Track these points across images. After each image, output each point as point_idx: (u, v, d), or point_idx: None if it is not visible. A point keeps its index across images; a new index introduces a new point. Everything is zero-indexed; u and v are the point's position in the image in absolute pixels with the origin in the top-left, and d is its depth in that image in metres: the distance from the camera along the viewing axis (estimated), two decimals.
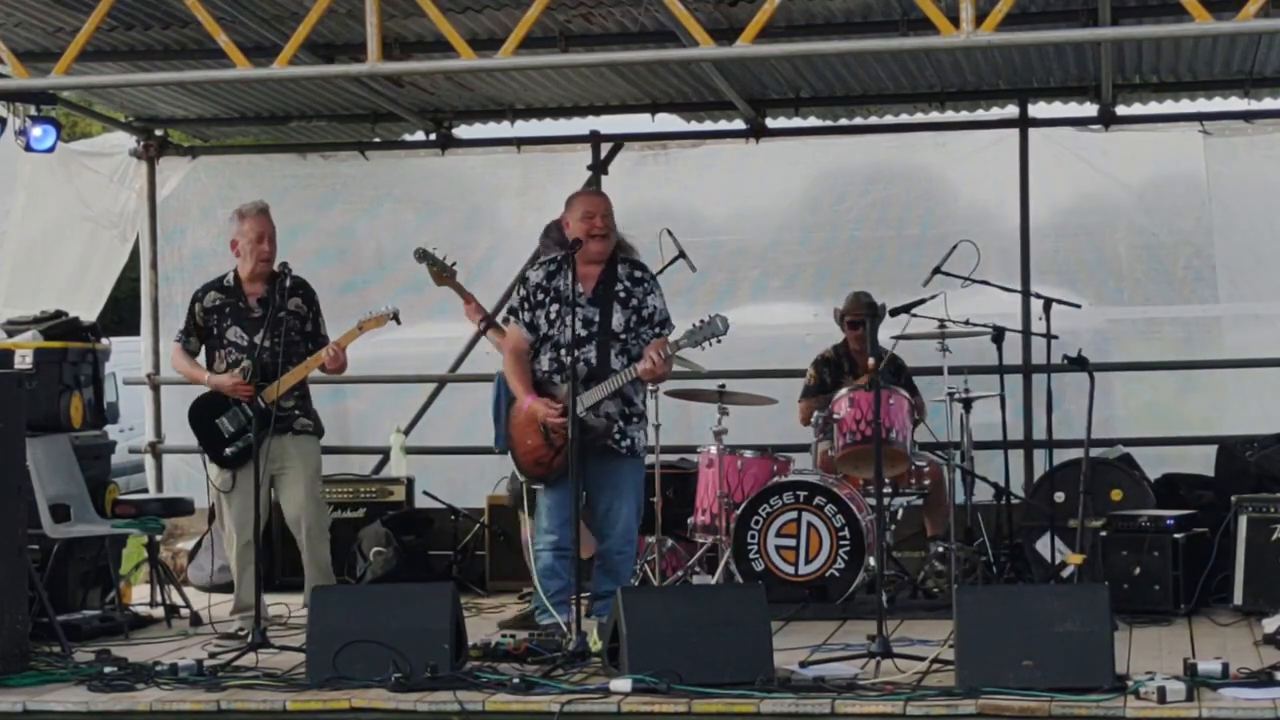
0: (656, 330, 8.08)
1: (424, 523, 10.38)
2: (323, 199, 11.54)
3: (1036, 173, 10.80)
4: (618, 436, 8.00)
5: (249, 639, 7.66)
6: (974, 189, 11.19)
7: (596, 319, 7.99)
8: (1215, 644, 7.73)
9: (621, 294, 8.06)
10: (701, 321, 7.99)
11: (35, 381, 9.14)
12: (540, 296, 8.10)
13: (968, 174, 11.16)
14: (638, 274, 8.15)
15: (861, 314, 9.58)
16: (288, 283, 8.45)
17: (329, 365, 8.42)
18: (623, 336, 8.03)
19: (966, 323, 9.43)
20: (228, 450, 8.42)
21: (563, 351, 8.00)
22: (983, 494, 9.52)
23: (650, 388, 8.82)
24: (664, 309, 8.15)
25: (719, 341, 8.05)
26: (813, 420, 9.62)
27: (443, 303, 11.15)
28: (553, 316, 8.06)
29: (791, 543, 8.96)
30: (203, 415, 8.51)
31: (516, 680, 6.84)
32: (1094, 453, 8.92)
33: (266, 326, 8.38)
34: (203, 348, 8.66)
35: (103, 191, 11.61)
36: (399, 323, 8.52)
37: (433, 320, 10.82)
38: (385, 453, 11.12)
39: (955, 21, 7.38)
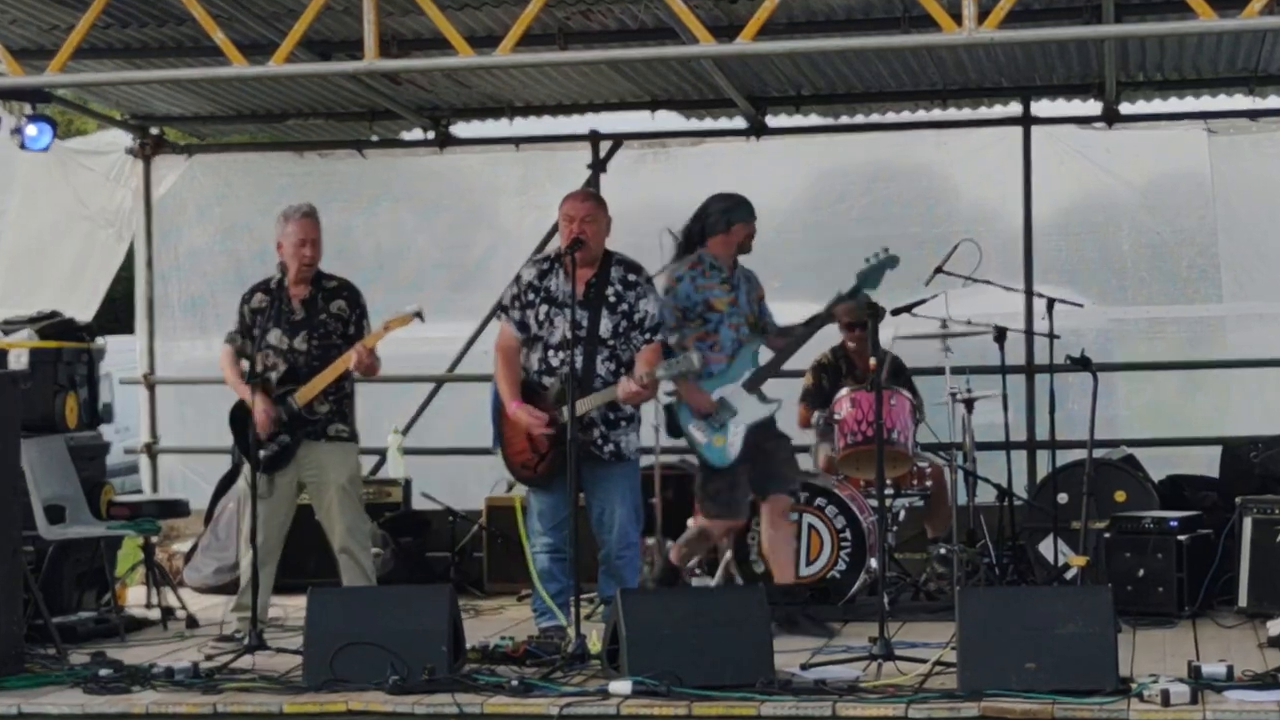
0: (647, 336, 8.02)
1: (422, 524, 10.36)
2: (320, 197, 11.35)
3: (1039, 171, 10.77)
4: (600, 442, 7.95)
5: (245, 641, 7.61)
6: (976, 187, 11.16)
7: (584, 323, 7.94)
8: (1219, 646, 7.71)
9: (611, 298, 8.00)
10: (675, 358, 7.98)
11: (30, 381, 9.11)
12: (531, 296, 8.05)
13: (970, 172, 11.13)
14: (631, 277, 8.08)
15: (859, 316, 9.54)
16: (331, 284, 8.41)
17: (356, 368, 8.25)
18: (610, 342, 7.98)
19: (968, 322, 9.39)
20: (262, 454, 8.32)
21: (551, 352, 7.95)
22: (985, 495, 9.49)
23: None
24: (657, 314, 8.08)
25: (694, 378, 8.10)
26: (813, 421, 9.58)
27: (441, 302, 11.16)
28: (542, 317, 8.01)
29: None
30: (241, 419, 8.42)
31: (515, 682, 6.82)
32: (1097, 453, 8.93)
33: (304, 330, 8.31)
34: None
35: (99, 190, 11.59)
36: (423, 320, 8.42)
37: (431, 320, 10.72)
38: (383, 453, 11.07)
39: (957, 18, 7.34)
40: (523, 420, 7.92)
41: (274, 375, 8.31)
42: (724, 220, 8.47)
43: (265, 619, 8.21)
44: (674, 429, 8.44)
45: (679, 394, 8.28)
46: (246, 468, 8.41)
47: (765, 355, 8.52)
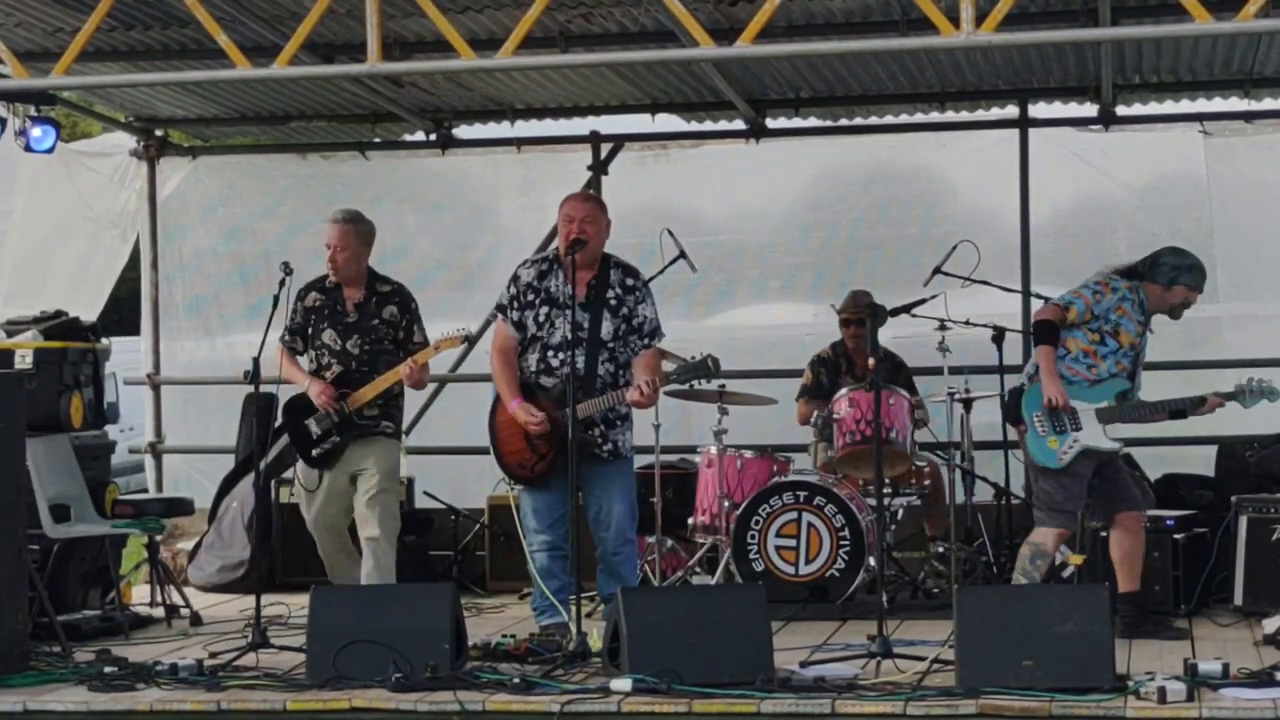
0: (646, 341, 8.06)
1: (424, 523, 10.38)
2: (323, 199, 11.54)
3: (1036, 173, 10.80)
4: (600, 441, 8.00)
5: (250, 639, 7.66)
6: (974, 189, 11.19)
7: (586, 325, 7.98)
8: (1215, 644, 7.75)
9: (612, 301, 8.04)
10: (694, 359, 7.98)
11: (35, 381, 9.15)
12: (530, 297, 8.08)
13: (968, 174, 11.17)
14: (630, 281, 8.12)
15: (857, 313, 9.60)
16: (385, 289, 8.51)
17: (407, 380, 8.35)
18: (610, 345, 8.02)
19: (967, 323, 9.44)
20: (314, 451, 8.44)
21: (550, 353, 8.00)
22: (983, 494, 9.53)
23: None
24: (655, 319, 8.13)
25: (707, 382, 8.04)
26: (812, 420, 9.63)
27: (443, 303, 11.20)
28: (541, 319, 8.04)
29: (791, 543, 8.96)
30: (295, 415, 8.53)
31: (517, 680, 6.85)
32: None
33: (356, 333, 8.42)
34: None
35: (103, 192, 11.62)
36: (472, 345, 8.47)
37: (433, 321, 10.76)
38: None
39: (955, 21, 7.39)
40: (520, 418, 7.96)
41: (329, 375, 8.43)
42: (1169, 276, 8.01)
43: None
44: (1014, 414, 8.05)
45: (1038, 375, 7.88)
46: (300, 465, 8.55)
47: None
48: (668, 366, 8.14)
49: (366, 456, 8.44)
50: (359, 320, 8.46)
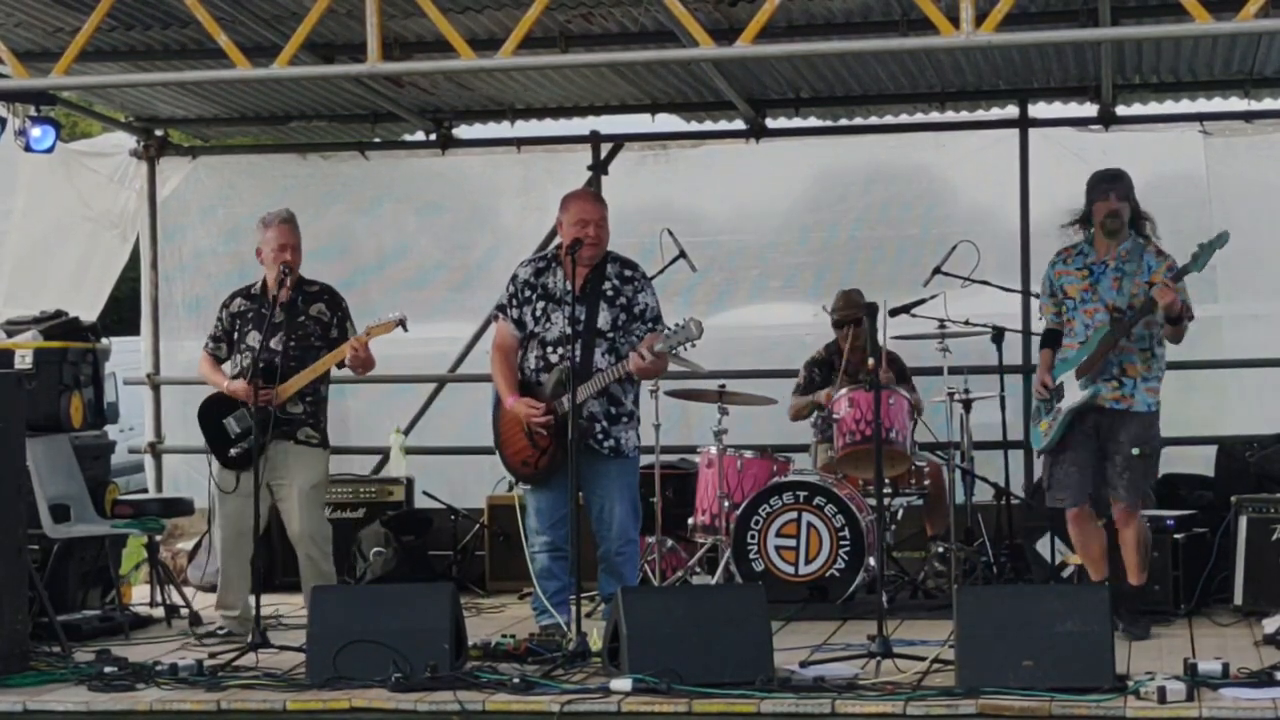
0: (649, 327, 8.07)
1: (424, 523, 10.39)
2: (323, 199, 11.56)
3: (1036, 173, 10.79)
4: (600, 437, 8.00)
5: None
6: (974, 189, 11.19)
7: (582, 317, 7.99)
8: (1215, 644, 7.75)
9: (609, 292, 8.05)
10: (677, 325, 7.95)
11: (35, 381, 9.15)
12: (528, 294, 8.11)
13: (968, 174, 11.16)
14: (627, 272, 8.14)
15: (848, 314, 9.57)
16: (312, 289, 8.50)
17: (352, 362, 8.32)
18: (610, 335, 8.02)
19: (966, 323, 9.45)
20: (232, 451, 8.43)
21: (549, 349, 8.01)
22: (983, 494, 9.53)
23: (649, 387, 8.84)
24: (656, 306, 8.14)
25: (694, 345, 8.03)
26: (812, 421, 9.63)
27: (443, 302, 11.21)
28: (538, 314, 8.07)
29: (791, 543, 8.96)
30: (210, 414, 8.52)
31: (516, 680, 6.85)
32: None
33: (282, 331, 8.37)
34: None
35: (103, 191, 11.62)
36: (405, 330, 8.44)
37: (432, 320, 10.84)
38: (385, 453, 11.13)
39: (955, 22, 7.39)
40: (520, 412, 7.96)
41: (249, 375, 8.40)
42: (1086, 202, 8.13)
43: (244, 613, 8.24)
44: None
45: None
46: (215, 466, 8.48)
47: None
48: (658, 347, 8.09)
49: (287, 469, 8.41)
50: (286, 319, 8.41)
